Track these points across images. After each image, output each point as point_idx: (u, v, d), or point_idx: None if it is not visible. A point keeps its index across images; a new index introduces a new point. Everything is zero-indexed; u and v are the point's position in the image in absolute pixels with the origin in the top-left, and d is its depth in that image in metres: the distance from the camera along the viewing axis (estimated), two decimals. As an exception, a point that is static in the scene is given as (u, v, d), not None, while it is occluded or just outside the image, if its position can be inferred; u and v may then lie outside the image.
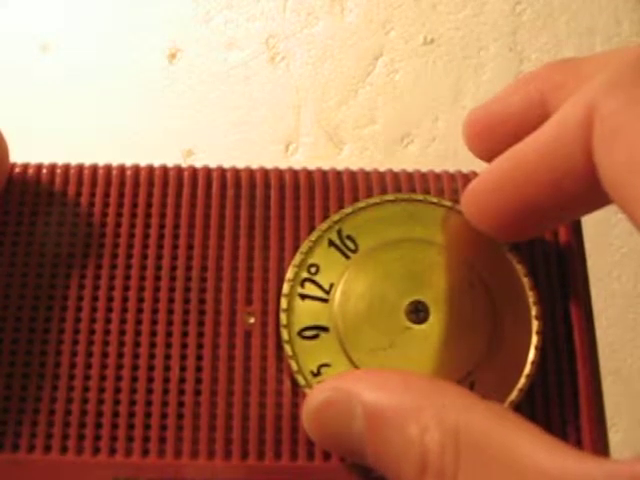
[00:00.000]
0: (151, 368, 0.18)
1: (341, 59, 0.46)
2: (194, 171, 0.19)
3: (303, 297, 0.18)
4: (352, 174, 0.20)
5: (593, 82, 0.15)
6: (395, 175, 0.20)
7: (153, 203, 0.19)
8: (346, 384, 0.16)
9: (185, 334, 0.18)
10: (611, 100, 0.15)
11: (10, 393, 0.17)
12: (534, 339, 0.18)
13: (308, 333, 0.18)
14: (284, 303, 0.18)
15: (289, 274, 0.18)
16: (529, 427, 0.14)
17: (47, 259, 0.19)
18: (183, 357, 0.18)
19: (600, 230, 0.43)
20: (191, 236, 0.19)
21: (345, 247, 0.19)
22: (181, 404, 0.17)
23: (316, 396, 0.17)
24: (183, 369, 0.18)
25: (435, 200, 0.19)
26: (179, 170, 0.20)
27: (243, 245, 0.19)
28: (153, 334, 0.18)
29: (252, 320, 0.18)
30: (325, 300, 0.18)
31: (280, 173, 0.20)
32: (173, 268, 0.19)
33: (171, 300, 0.18)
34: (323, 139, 0.44)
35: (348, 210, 0.19)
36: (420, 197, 0.19)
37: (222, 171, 0.20)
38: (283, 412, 0.18)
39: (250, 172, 0.20)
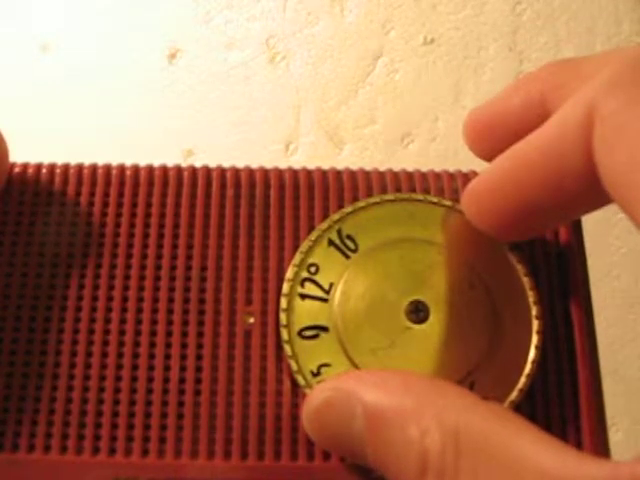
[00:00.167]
0: (151, 368, 0.18)
1: (341, 59, 0.46)
2: (194, 171, 0.19)
3: (303, 297, 0.18)
4: (352, 174, 0.20)
5: (593, 82, 0.15)
6: (395, 175, 0.20)
7: (153, 203, 0.19)
8: (346, 384, 0.16)
9: (185, 334, 0.18)
10: (611, 100, 0.15)
11: (10, 393, 0.17)
12: (534, 339, 0.18)
13: (308, 333, 0.18)
14: (284, 303, 0.18)
15: (289, 274, 0.18)
16: (530, 428, 0.14)
17: (46, 259, 0.18)
18: (183, 357, 0.18)
19: (600, 230, 0.43)
20: (191, 236, 0.19)
21: (345, 247, 0.19)
22: (181, 404, 0.17)
23: (316, 396, 0.17)
24: (183, 369, 0.18)
25: (435, 200, 0.19)
26: (179, 170, 0.19)
27: (243, 245, 0.19)
28: (153, 334, 0.18)
29: (252, 320, 0.18)
30: (325, 300, 0.18)
31: (280, 173, 0.20)
32: (173, 268, 0.19)
33: (171, 300, 0.18)
34: (323, 139, 0.44)
35: (348, 210, 0.19)
36: (420, 197, 0.19)
37: (222, 171, 0.20)
38: (283, 412, 0.17)
39: (250, 172, 0.20)
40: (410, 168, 0.20)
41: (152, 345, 0.18)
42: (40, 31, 0.46)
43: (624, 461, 0.13)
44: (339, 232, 0.19)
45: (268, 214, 0.19)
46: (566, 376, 0.18)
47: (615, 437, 0.39)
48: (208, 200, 0.19)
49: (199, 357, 0.18)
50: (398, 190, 0.19)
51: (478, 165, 0.19)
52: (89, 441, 0.17)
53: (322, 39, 0.46)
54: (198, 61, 0.46)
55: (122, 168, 0.19)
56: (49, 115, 0.44)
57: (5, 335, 0.18)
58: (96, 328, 0.18)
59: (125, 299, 0.18)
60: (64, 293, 0.18)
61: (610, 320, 0.41)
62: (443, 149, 0.44)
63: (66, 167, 0.19)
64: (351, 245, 0.19)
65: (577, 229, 0.19)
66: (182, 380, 0.18)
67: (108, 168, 0.19)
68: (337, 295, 0.18)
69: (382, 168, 0.20)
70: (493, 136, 0.18)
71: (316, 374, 0.18)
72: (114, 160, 0.20)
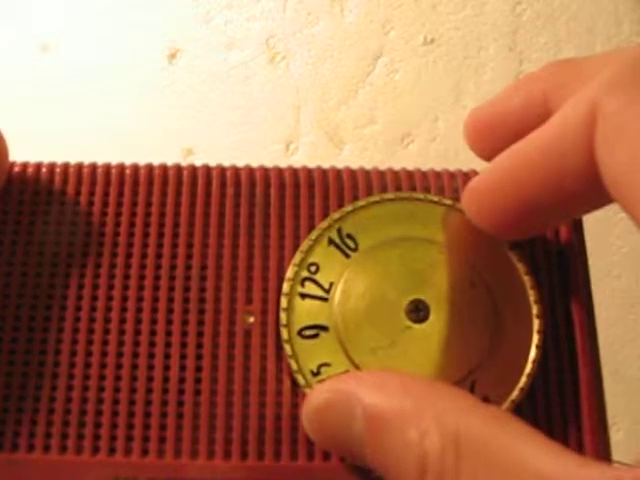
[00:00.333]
0: (150, 367, 0.18)
1: (341, 59, 0.46)
2: (193, 170, 0.19)
3: (303, 296, 0.18)
4: (352, 173, 0.20)
5: (594, 82, 0.15)
6: (395, 174, 0.20)
7: (152, 202, 0.19)
8: (346, 386, 0.16)
9: (185, 333, 0.18)
10: (612, 100, 0.15)
11: (9, 392, 0.17)
12: (535, 338, 0.18)
13: (308, 332, 0.18)
14: (284, 302, 0.18)
15: (289, 273, 0.18)
16: (530, 431, 0.14)
17: (46, 258, 0.18)
18: (183, 356, 0.18)
19: (600, 230, 0.43)
20: (190, 235, 0.19)
21: (345, 246, 0.19)
22: (181, 404, 0.17)
23: (316, 397, 0.17)
24: (183, 368, 0.18)
25: (436, 199, 0.19)
26: (178, 169, 0.19)
27: (243, 244, 0.19)
28: (152, 333, 0.18)
29: (252, 319, 0.18)
30: (325, 299, 0.18)
31: (280, 172, 0.20)
32: (173, 267, 0.18)
33: (170, 299, 0.18)
34: (323, 139, 0.44)
35: (348, 209, 0.19)
36: (420, 196, 0.19)
37: (222, 170, 0.20)
38: (283, 412, 0.17)
39: (250, 171, 0.20)
40: (410, 167, 0.20)
41: (152, 344, 0.18)
42: (40, 31, 0.46)
43: (625, 465, 0.13)
44: (339, 231, 0.19)
45: (268, 213, 0.19)
46: (567, 375, 0.18)
47: (616, 437, 0.39)
48: (208, 199, 0.19)
49: (199, 357, 0.18)
50: (398, 189, 0.19)
51: (478, 165, 0.19)
52: (89, 441, 0.17)
53: (322, 39, 0.46)
54: (198, 61, 0.46)
55: (122, 167, 0.19)
56: (49, 115, 0.44)
57: (5, 334, 0.18)
58: (96, 328, 0.18)
59: (125, 299, 0.18)
60: (64, 292, 0.18)
61: (610, 320, 0.41)
62: (443, 149, 0.44)
63: (66, 166, 0.19)
64: (351, 244, 0.19)
65: (578, 228, 0.19)
66: (182, 380, 0.18)
67: (108, 167, 0.19)
68: (337, 294, 0.18)
69: (382, 167, 0.20)
70: (494, 136, 0.18)
71: (316, 374, 0.17)
72: (114, 160, 0.20)
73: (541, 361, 0.18)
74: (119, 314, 0.18)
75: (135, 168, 0.19)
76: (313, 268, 0.18)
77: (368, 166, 0.20)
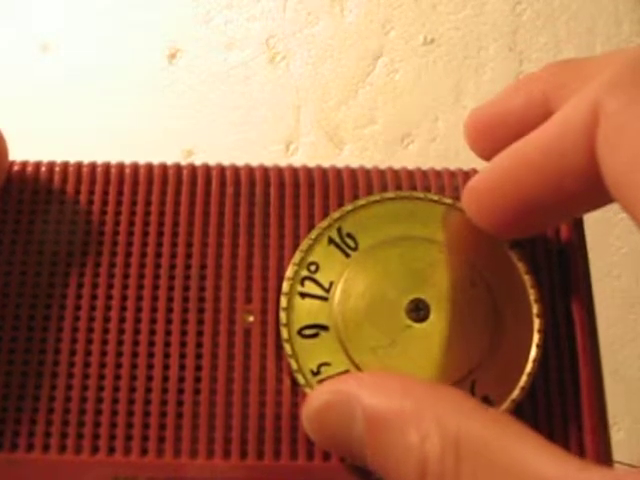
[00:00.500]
0: (150, 367, 0.18)
1: (341, 59, 0.46)
2: (193, 169, 0.19)
3: (303, 295, 0.18)
4: (352, 172, 0.20)
5: (595, 82, 0.15)
6: (396, 173, 0.20)
7: (152, 201, 0.19)
8: (346, 387, 0.16)
9: (184, 333, 0.18)
10: (613, 100, 0.15)
11: (8, 392, 0.17)
12: (535, 337, 0.18)
13: (308, 332, 0.18)
14: (284, 302, 0.18)
15: (289, 272, 0.18)
16: (531, 434, 0.14)
17: (46, 257, 0.18)
18: (182, 356, 0.18)
19: (600, 230, 0.43)
20: (190, 234, 0.19)
21: (345, 245, 0.19)
22: (180, 403, 0.17)
23: (316, 398, 0.17)
24: (182, 368, 0.18)
25: (436, 198, 0.19)
26: (178, 168, 0.19)
27: (242, 243, 0.19)
28: (152, 332, 0.18)
29: (251, 318, 0.18)
30: (325, 298, 0.18)
31: (280, 171, 0.19)
32: (172, 266, 0.18)
33: (170, 298, 0.18)
34: (323, 139, 0.44)
35: (348, 208, 0.19)
36: (421, 195, 0.19)
37: (221, 169, 0.19)
38: (283, 411, 0.17)
39: (250, 170, 0.20)
40: (411, 166, 0.20)
41: (151, 344, 0.18)
42: (40, 31, 0.46)
43: (626, 469, 0.13)
44: (339, 230, 0.19)
45: (268, 212, 0.19)
46: (568, 374, 0.18)
47: (617, 436, 0.39)
48: (208, 198, 0.19)
49: (198, 356, 0.18)
50: (399, 188, 0.19)
51: (478, 165, 0.19)
52: (88, 440, 0.17)
53: (322, 39, 0.46)
54: (198, 61, 0.46)
55: (121, 166, 0.19)
56: (49, 115, 0.44)
57: (4, 334, 0.18)
58: (95, 327, 0.18)
59: (124, 298, 0.18)
60: (63, 292, 0.18)
61: (610, 320, 0.41)
62: (443, 149, 0.44)
63: (65, 165, 0.19)
64: (351, 243, 0.19)
65: (578, 226, 0.19)
66: (181, 379, 0.18)
67: (107, 166, 0.19)
68: (337, 294, 0.18)
69: (382, 167, 0.20)
70: (494, 136, 0.18)
71: (316, 373, 0.17)
72: (114, 160, 0.20)
73: (542, 360, 0.18)
74: (119, 313, 0.18)
75: (135, 167, 0.19)
76: (313, 267, 0.18)
77: (368, 166, 0.20)
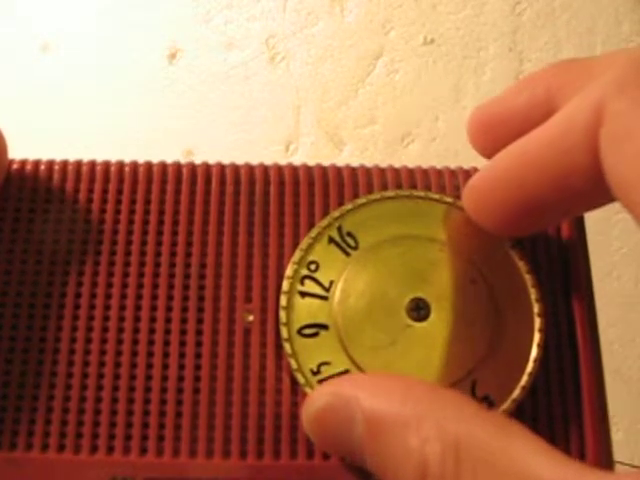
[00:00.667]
0: (149, 366, 0.18)
1: (341, 59, 0.46)
2: (193, 168, 0.19)
3: (303, 295, 0.18)
4: (352, 170, 0.20)
5: (599, 81, 0.15)
6: (396, 171, 0.20)
7: (152, 200, 0.19)
8: (345, 389, 0.16)
9: (184, 332, 0.18)
10: (618, 100, 0.15)
11: (7, 391, 0.17)
12: (536, 336, 0.18)
13: (308, 331, 0.18)
14: (283, 301, 0.18)
15: (288, 271, 0.18)
16: (531, 438, 0.14)
17: (45, 256, 0.18)
18: (182, 355, 0.18)
19: (600, 230, 0.42)
20: (190, 233, 0.19)
21: (345, 244, 0.19)
22: (180, 402, 0.17)
23: (316, 399, 0.16)
24: (182, 367, 0.18)
25: (436, 196, 0.19)
26: (178, 166, 0.19)
27: (242, 242, 0.19)
28: (151, 331, 0.18)
29: (251, 318, 0.18)
30: (325, 298, 0.18)
31: (280, 169, 0.19)
32: (172, 265, 0.18)
33: (170, 297, 0.18)
34: (323, 139, 0.44)
35: (348, 207, 0.19)
36: (421, 193, 0.19)
37: (221, 168, 0.19)
38: (282, 411, 0.17)
39: (249, 168, 0.19)
40: (411, 165, 0.20)
41: (151, 343, 0.18)
42: (40, 31, 0.46)
43: (625, 473, 0.13)
44: (339, 229, 0.19)
45: (268, 211, 0.19)
46: (568, 374, 0.18)
47: (616, 437, 0.39)
48: (207, 197, 0.19)
49: (198, 355, 0.18)
50: (399, 187, 0.19)
51: (479, 165, 0.19)
52: (87, 439, 0.17)
53: (322, 39, 0.46)
54: (198, 61, 0.46)
55: (121, 165, 0.19)
56: (49, 115, 0.44)
57: (3, 333, 0.18)
58: (94, 326, 0.18)
59: (124, 296, 0.18)
60: (62, 290, 0.18)
61: (610, 320, 0.41)
62: (443, 149, 0.44)
63: (65, 164, 0.19)
64: (351, 242, 0.19)
65: (579, 225, 0.19)
66: (181, 378, 0.17)
67: (107, 165, 0.19)
68: (337, 293, 0.18)
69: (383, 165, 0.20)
70: (496, 134, 0.18)
71: (316, 372, 0.17)
72: (114, 160, 0.20)
73: (542, 359, 0.18)
74: (118, 312, 0.18)
75: (134, 165, 0.19)
76: (313, 266, 0.18)
77: (368, 165, 0.20)
